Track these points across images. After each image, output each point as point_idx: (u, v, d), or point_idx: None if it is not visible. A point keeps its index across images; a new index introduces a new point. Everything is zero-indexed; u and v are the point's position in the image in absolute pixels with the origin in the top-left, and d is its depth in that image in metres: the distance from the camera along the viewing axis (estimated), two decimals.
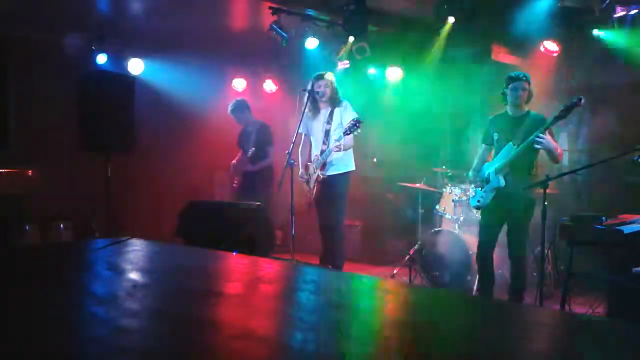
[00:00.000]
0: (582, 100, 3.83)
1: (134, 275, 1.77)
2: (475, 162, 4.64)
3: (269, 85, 7.98)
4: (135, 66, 6.82)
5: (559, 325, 1.38)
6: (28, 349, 1.01)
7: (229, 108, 6.34)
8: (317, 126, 5.13)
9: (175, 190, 7.08)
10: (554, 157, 4.19)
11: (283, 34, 5.69)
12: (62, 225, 6.46)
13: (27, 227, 6.30)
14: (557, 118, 3.98)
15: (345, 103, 5.07)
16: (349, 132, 4.75)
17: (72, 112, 5.55)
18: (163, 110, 7.19)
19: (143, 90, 7.02)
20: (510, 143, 4.23)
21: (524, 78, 4.28)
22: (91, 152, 5.96)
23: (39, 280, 1.65)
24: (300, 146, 5.31)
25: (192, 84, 7.21)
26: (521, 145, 4.16)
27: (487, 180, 4.37)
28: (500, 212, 4.35)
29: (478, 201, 4.46)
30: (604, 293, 4.19)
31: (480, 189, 4.45)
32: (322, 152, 5.02)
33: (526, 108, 4.36)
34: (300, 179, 5.19)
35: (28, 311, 1.28)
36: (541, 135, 4.04)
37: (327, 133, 5.02)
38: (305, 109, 5.03)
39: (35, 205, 6.53)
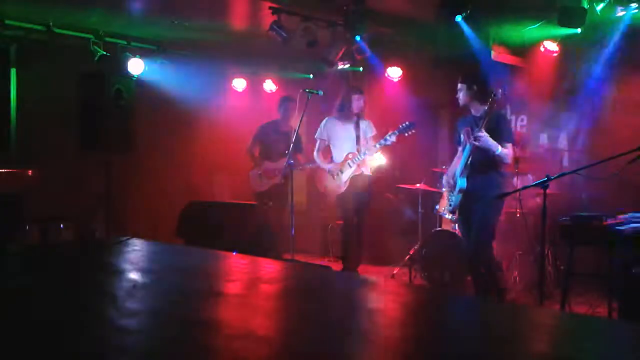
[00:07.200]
0: (500, 91, 3.91)
1: (134, 275, 1.78)
2: (451, 165, 4.55)
3: (269, 85, 7.96)
4: (135, 66, 6.81)
5: (559, 325, 1.38)
6: (28, 349, 1.01)
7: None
8: (344, 132, 5.35)
9: (175, 190, 7.07)
10: (495, 156, 4.06)
11: (283, 34, 5.68)
12: (62, 225, 6.45)
13: (27, 227, 6.30)
14: (486, 113, 4.00)
15: (368, 120, 5.43)
16: (402, 133, 5.06)
17: (72, 112, 5.56)
18: (163, 110, 7.18)
19: (143, 90, 7.02)
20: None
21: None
22: (91, 152, 5.97)
23: (38, 280, 1.65)
24: (317, 151, 5.49)
25: (192, 84, 7.20)
26: (468, 146, 4.13)
27: (455, 184, 4.33)
28: (467, 213, 4.28)
29: (450, 205, 4.41)
30: (604, 293, 4.19)
31: (451, 192, 4.40)
32: (358, 151, 5.25)
33: (483, 108, 4.14)
34: (328, 173, 5.38)
35: (28, 311, 1.28)
36: (479, 134, 3.97)
37: (357, 138, 5.33)
38: (305, 109, 5.05)
39: (35, 205, 6.53)
